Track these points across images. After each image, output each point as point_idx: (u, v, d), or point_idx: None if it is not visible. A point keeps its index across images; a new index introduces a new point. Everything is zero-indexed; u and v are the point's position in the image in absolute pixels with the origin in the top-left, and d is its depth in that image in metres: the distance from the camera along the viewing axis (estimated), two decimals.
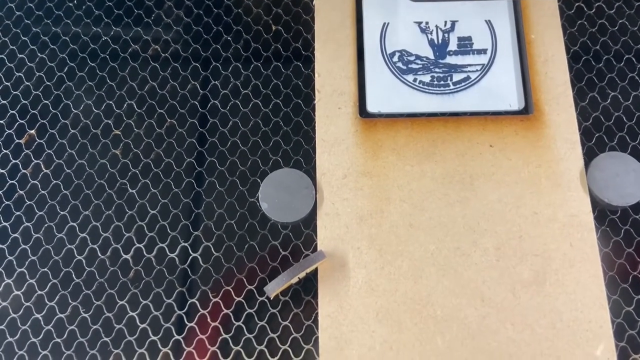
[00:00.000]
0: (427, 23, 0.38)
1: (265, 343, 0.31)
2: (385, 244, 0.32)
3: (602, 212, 0.33)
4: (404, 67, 0.37)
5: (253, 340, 0.32)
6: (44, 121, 0.36)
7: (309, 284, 0.32)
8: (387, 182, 0.34)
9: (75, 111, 0.36)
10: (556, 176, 0.33)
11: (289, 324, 0.32)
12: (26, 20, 0.39)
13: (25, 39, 0.38)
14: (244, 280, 0.33)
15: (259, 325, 0.32)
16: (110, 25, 0.39)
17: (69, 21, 0.39)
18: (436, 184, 0.34)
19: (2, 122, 0.36)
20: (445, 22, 0.38)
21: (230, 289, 0.33)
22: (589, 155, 0.34)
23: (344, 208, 0.33)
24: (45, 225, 0.34)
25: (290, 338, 0.31)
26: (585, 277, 0.31)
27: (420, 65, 0.37)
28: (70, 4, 0.39)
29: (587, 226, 0.32)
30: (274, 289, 0.31)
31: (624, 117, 0.35)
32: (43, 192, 0.34)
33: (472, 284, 0.31)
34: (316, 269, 0.32)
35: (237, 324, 0.32)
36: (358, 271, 0.32)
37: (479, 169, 0.34)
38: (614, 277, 0.32)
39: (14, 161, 0.35)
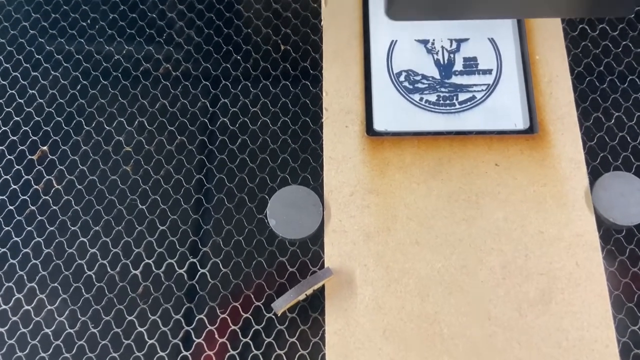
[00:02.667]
0: (432, 43, 0.38)
1: None
2: (392, 261, 0.33)
3: (607, 232, 0.33)
4: (411, 87, 0.37)
5: (260, 357, 0.32)
6: (57, 138, 0.37)
7: (316, 301, 0.32)
8: (394, 199, 0.34)
9: (87, 128, 0.37)
10: (561, 195, 0.34)
11: (295, 341, 0.32)
12: (40, 39, 0.40)
13: (39, 57, 0.39)
14: (252, 296, 0.33)
15: (266, 342, 0.32)
16: (122, 44, 0.40)
17: (82, 40, 0.40)
18: (442, 202, 0.34)
19: (15, 138, 0.37)
20: (451, 42, 0.38)
21: (238, 305, 0.33)
22: (594, 175, 0.34)
23: (351, 225, 0.34)
24: (56, 240, 0.34)
25: (297, 355, 0.32)
26: (591, 297, 0.31)
27: (427, 85, 0.37)
28: (84, 23, 0.40)
29: (592, 245, 0.33)
30: (281, 305, 0.31)
31: (628, 137, 0.36)
32: (54, 207, 0.35)
33: (478, 303, 0.32)
34: (323, 286, 0.32)
35: (244, 340, 0.32)
36: (365, 288, 0.32)
37: (484, 187, 0.34)
38: (619, 296, 0.32)
39: (26, 177, 0.36)
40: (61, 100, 0.38)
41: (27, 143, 0.37)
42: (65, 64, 0.39)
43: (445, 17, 0.33)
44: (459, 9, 0.31)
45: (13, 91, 0.38)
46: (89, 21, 0.40)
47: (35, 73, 0.39)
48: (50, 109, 0.38)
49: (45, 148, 0.37)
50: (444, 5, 0.30)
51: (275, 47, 0.39)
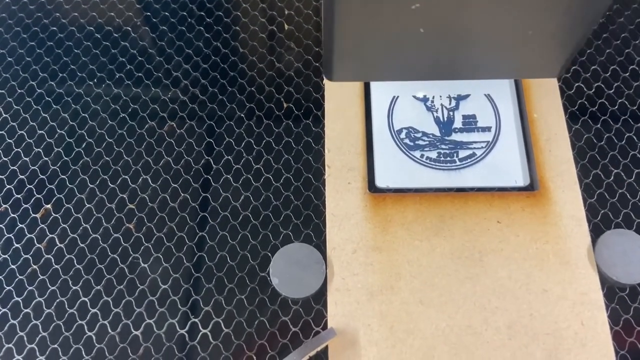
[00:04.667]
0: (432, 101, 0.39)
1: None
2: (396, 321, 0.32)
3: (611, 290, 0.33)
4: (411, 144, 0.38)
5: None
6: (61, 196, 0.37)
7: None
8: (397, 257, 0.34)
9: (92, 186, 0.37)
10: (564, 253, 0.34)
11: None
12: (46, 98, 0.41)
13: (46, 115, 0.40)
14: (254, 357, 0.33)
15: None
16: (128, 102, 0.40)
17: (88, 98, 0.41)
18: (446, 260, 0.34)
19: (19, 196, 0.37)
20: (450, 100, 0.39)
21: None
22: (595, 232, 0.34)
23: (355, 284, 0.34)
24: (57, 300, 0.34)
25: None
26: (597, 357, 0.31)
27: (427, 142, 0.38)
28: (90, 82, 0.41)
29: (596, 304, 0.32)
30: None
31: (627, 194, 0.36)
32: (56, 266, 0.35)
33: None
34: (327, 347, 0.32)
35: None
36: (369, 349, 0.32)
37: (487, 244, 0.34)
38: (625, 356, 0.32)
39: (29, 235, 0.36)
40: (66, 158, 0.38)
41: (31, 201, 0.37)
42: (72, 122, 0.40)
43: (382, 79, 0.34)
44: (392, 71, 0.32)
45: (19, 149, 0.39)
46: (95, 80, 0.41)
47: (42, 131, 0.39)
48: (55, 167, 0.38)
49: (48, 206, 0.37)
50: (381, 68, 0.31)
51: (279, 105, 0.40)
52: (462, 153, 0.37)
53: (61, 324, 0.33)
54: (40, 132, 0.39)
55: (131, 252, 0.35)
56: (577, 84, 0.40)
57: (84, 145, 0.39)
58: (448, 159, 0.37)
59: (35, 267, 0.35)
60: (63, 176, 0.38)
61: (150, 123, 0.39)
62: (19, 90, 0.41)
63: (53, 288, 0.34)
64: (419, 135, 0.38)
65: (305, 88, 0.40)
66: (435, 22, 0.27)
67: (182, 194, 0.37)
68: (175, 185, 0.37)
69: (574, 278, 0.33)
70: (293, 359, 0.31)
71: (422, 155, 0.38)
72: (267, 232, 0.36)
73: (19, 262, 0.35)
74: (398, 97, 0.39)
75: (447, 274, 0.34)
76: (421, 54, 0.29)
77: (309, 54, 0.42)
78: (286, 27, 0.43)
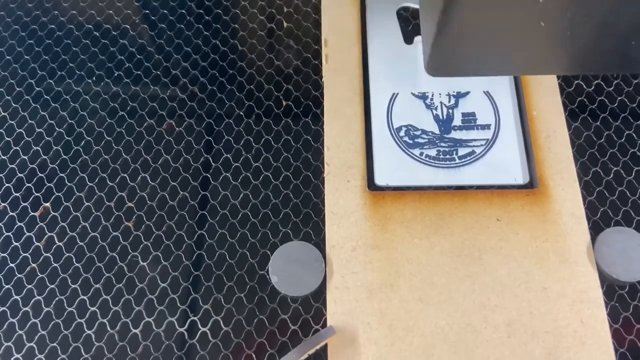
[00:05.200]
0: (431, 99, 0.39)
1: None
2: (395, 319, 0.32)
3: (611, 288, 0.33)
4: (411, 142, 0.38)
5: None
6: (59, 194, 0.37)
7: None
8: (396, 255, 0.34)
9: (90, 184, 0.37)
10: (563, 251, 0.34)
11: None
12: (45, 96, 0.40)
13: (44, 113, 0.40)
14: (253, 355, 0.33)
15: None
16: (127, 100, 0.40)
17: (86, 96, 0.40)
18: (445, 258, 0.34)
19: (17, 194, 0.37)
20: (449, 98, 0.39)
21: None
22: (595, 230, 0.34)
23: (354, 282, 0.34)
24: (56, 299, 0.34)
25: None
26: (597, 355, 0.31)
27: (426, 140, 0.38)
28: (89, 80, 0.41)
29: (596, 302, 0.32)
30: None
31: (627, 192, 0.36)
32: (55, 264, 0.35)
33: None
34: (326, 345, 0.32)
35: None
36: (369, 347, 0.32)
37: (487, 243, 0.34)
38: (625, 354, 0.32)
39: (27, 234, 0.36)
40: (65, 157, 0.38)
41: (30, 199, 0.37)
42: (70, 121, 0.39)
43: (483, 73, 0.33)
44: (498, 65, 0.30)
45: (17, 148, 0.39)
46: (94, 78, 0.41)
47: (40, 130, 0.39)
48: (54, 165, 0.38)
49: (47, 204, 0.37)
50: (483, 62, 0.30)
51: (277, 103, 0.40)
52: (462, 151, 0.37)
53: (60, 322, 0.33)
54: (39, 130, 0.39)
55: (130, 251, 0.35)
56: (576, 82, 0.39)
57: (82, 144, 0.39)
58: (447, 156, 0.37)
59: (34, 265, 0.35)
60: (62, 174, 0.38)
61: (149, 121, 0.39)
62: (17, 89, 0.41)
63: (52, 286, 0.34)
64: (418, 133, 0.38)
65: (304, 86, 0.40)
66: (557, 14, 0.25)
67: (181, 192, 0.37)
68: (174, 184, 0.37)
69: (573, 276, 0.33)
70: (292, 357, 0.31)
71: (421, 153, 0.38)
72: (266, 230, 0.36)
73: (18, 261, 0.35)
74: (397, 95, 0.39)
75: (447, 272, 0.34)
76: (534, 46, 0.28)
77: (308, 52, 0.41)
78: (285, 24, 0.43)
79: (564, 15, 0.25)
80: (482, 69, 0.30)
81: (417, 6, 0.43)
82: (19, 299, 0.34)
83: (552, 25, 0.25)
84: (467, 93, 0.39)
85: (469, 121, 0.38)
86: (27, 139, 0.39)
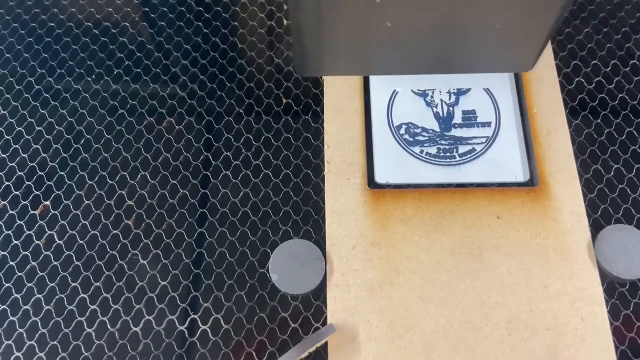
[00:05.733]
0: (432, 97, 0.39)
1: None
2: (395, 316, 0.32)
3: (611, 285, 0.33)
4: (411, 139, 0.38)
5: None
6: (59, 192, 0.37)
7: (319, 358, 0.32)
8: (396, 253, 0.34)
9: (90, 182, 0.37)
10: (564, 248, 0.34)
11: None
12: (45, 94, 0.40)
13: (44, 111, 0.40)
14: (253, 353, 0.33)
15: None
16: (126, 98, 0.40)
17: (86, 94, 0.40)
18: (445, 256, 0.34)
19: (18, 193, 0.37)
20: (450, 95, 0.39)
21: None
22: (595, 227, 0.34)
23: (354, 279, 0.34)
24: (57, 297, 0.34)
25: None
26: (597, 352, 0.31)
27: (427, 138, 0.38)
28: (88, 78, 0.41)
29: (596, 299, 0.32)
30: None
31: (628, 189, 0.36)
32: (55, 263, 0.35)
33: None
34: (326, 343, 0.32)
35: None
36: (369, 345, 0.32)
37: (487, 240, 0.34)
38: (625, 351, 0.32)
39: (28, 232, 0.36)
40: (65, 155, 0.38)
41: (30, 198, 0.37)
42: (70, 119, 0.39)
43: (351, 73, 0.34)
44: (363, 66, 0.31)
45: (17, 146, 0.39)
46: (94, 76, 0.41)
47: (40, 128, 0.39)
48: (54, 163, 0.38)
49: (47, 203, 0.37)
50: (350, 62, 0.31)
51: (277, 101, 0.40)
52: (462, 148, 0.37)
53: (60, 320, 0.33)
54: (39, 128, 0.39)
55: (130, 249, 0.35)
56: (577, 79, 0.39)
57: (82, 142, 0.39)
58: (448, 154, 0.37)
59: (34, 263, 0.35)
60: (62, 172, 0.38)
61: (149, 119, 0.39)
62: (17, 87, 0.41)
63: (52, 284, 0.34)
64: (418, 130, 0.38)
65: (304, 84, 0.40)
66: (404, 16, 0.26)
67: (181, 190, 0.37)
68: (174, 182, 0.37)
69: (573, 273, 0.33)
70: (293, 355, 0.31)
71: (421, 151, 0.37)
72: (267, 228, 0.36)
73: (18, 259, 0.35)
74: (397, 92, 0.39)
75: (447, 270, 0.33)
76: (389, 47, 0.29)
77: None
78: (285, 22, 0.43)
79: (406, 17, 0.26)
80: (342, 69, 0.31)
81: None
82: (19, 297, 0.34)
83: (398, 27, 0.26)
84: (468, 90, 0.39)
85: (470, 119, 0.38)
86: (27, 137, 0.39)
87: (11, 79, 0.41)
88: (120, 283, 0.34)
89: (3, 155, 0.38)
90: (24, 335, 0.33)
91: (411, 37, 0.28)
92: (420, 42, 0.28)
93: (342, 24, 0.27)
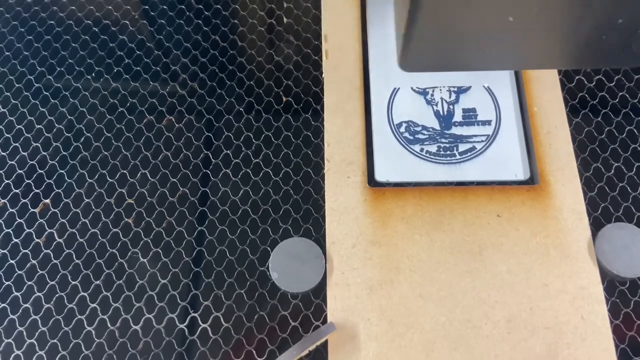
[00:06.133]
0: (432, 95, 0.39)
1: None
2: (395, 315, 0.32)
3: (611, 284, 0.33)
4: (411, 137, 0.38)
5: None
6: (59, 190, 0.37)
7: (319, 357, 0.32)
8: (397, 251, 0.34)
9: (90, 180, 0.37)
10: (564, 247, 0.34)
11: None
12: (44, 92, 0.40)
13: (44, 110, 0.40)
14: (253, 352, 0.33)
15: None
16: (126, 96, 0.40)
17: (86, 92, 0.40)
18: (445, 254, 0.34)
19: (17, 191, 0.37)
20: (450, 93, 0.39)
21: None
22: (596, 226, 0.34)
23: (354, 278, 0.34)
24: (57, 295, 0.34)
25: None
26: (597, 351, 0.31)
27: (427, 136, 0.38)
28: (88, 76, 0.41)
29: (597, 298, 0.32)
30: None
31: (628, 188, 0.36)
32: (55, 261, 0.35)
33: (484, 358, 0.31)
34: (326, 341, 0.32)
35: None
36: (369, 343, 0.32)
37: (487, 239, 0.34)
38: (625, 350, 0.32)
39: (27, 230, 0.36)
40: (65, 153, 0.38)
41: (30, 196, 0.37)
42: (70, 117, 0.39)
43: (458, 69, 0.33)
44: (472, 60, 0.31)
45: (17, 144, 0.39)
46: (93, 74, 0.41)
47: (40, 126, 0.39)
48: (54, 162, 0.38)
49: (47, 201, 0.37)
50: (457, 57, 0.30)
51: (277, 99, 0.40)
52: (462, 147, 0.37)
53: (60, 318, 0.33)
54: (39, 126, 0.39)
55: (130, 247, 0.35)
56: (577, 77, 0.39)
57: (82, 140, 0.39)
58: (448, 152, 0.37)
59: (34, 261, 0.35)
60: (62, 171, 0.38)
61: (148, 117, 0.39)
62: (17, 85, 0.41)
63: (52, 283, 0.34)
64: (418, 129, 0.38)
65: (304, 82, 0.40)
66: (526, 10, 0.26)
67: (181, 189, 0.37)
68: (174, 180, 0.37)
69: (574, 272, 0.33)
70: (293, 353, 0.31)
71: (421, 149, 0.37)
72: (267, 226, 0.36)
73: (18, 257, 0.35)
74: (397, 91, 0.39)
75: (447, 268, 0.33)
76: (503, 42, 0.28)
77: (308, 48, 0.41)
78: (285, 20, 0.43)
79: (532, 10, 0.25)
80: (454, 64, 0.30)
81: None
82: (19, 296, 0.34)
83: (521, 20, 0.26)
84: (468, 88, 0.39)
85: (470, 117, 0.38)
86: (27, 135, 0.39)
87: (11, 77, 0.41)
88: (120, 281, 0.34)
89: (3, 154, 0.38)
90: (24, 333, 0.33)
91: (529, 31, 0.27)
92: (535, 37, 0.27)
93: (462, 18, 0.26)
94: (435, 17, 0.26)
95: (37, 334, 0.33)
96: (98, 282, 0.34)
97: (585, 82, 0.39)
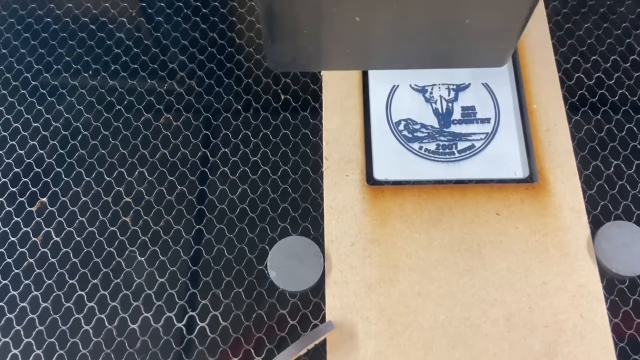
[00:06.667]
0: (431, 93, 0.39)
1: None
2: (394, 313, 0.32)
3: (611, 282, 0.33)
4: (410, 136, 0.38)
5: None
6: (56, 189, 0.37)
7: (318, 356, 0.32)
8: (395, 250, 0.34)
9: (87, 179, 0.37)
10: (563, 245, 0.34)
11: None
12: (41, 90, 0.40)
13: (41, 108, 0.39)
14: (252, 351, 0.32)
15: None
16: (124, 94, 0.40)
17: (83, 90, 0.40)
18: (444, 252, 0.34)
19: (14, 189, 0.37)
20: (449, 91, 0.39)
21: None
22: (595, 224, 0.34)
23: (353, 276, 0.33)
24: (54, 294, 0.34)
25: None
26: (596, 349, 0.31)
27: (426, 134, 0.38)
28: (85, 74, 0.41)
29: (596, 296, 0.32)
30: None
31: (627, 186, 0.36)
32: (52, 260, 0.35)
33: (483, 356, 0.31)
34: (325, 340, 0.32)
35: None
36: (367, 342, 0.32)
37: (486, 237, 0.34)
38: (624, 348, 0.32)
39: (24, 229, 0.36)
40: (62, 151, 0.38)
41: (27, 194, 0.37)
42: (67, 115, 0.39)
43: (321, 68, 0.33)
44: (328, 60, 0.31)
45: (14, 142, 0.38)
46: (90, 72, 0.41)
47: (36, 124, 0.39)
48: (51, 160, 0.38)
49: (44, 199, 0.36)
50: (320, 57, 0.31)
51: (276, 97, 0.39)
52: (461, 145, 0.37)
53: (58, 317, 0.33)
54: (35, 124, 0.39)
55: (128, 246, 0.35)
56: (577, 75, 0.39)
57: (79, 138, 0.38)
58: (447, 150, 0.37)
59: (31, 260, 0.35)
60: (58, 169, 0.37)
61: (146, 115, 0.39)
62: (14, 83, 0.40)
63: (49, 282, 0.34)
64: (417, 127, 0.38)
65: (302, 80, 0.40)
66: (371, 10, 0.26)
67: (179, 187, 0.37)
68: (172, 178, 0.37)
69: (573, 270, 0.33)
70: (291, 352, 0.31)
71: (420, 147, 0.37)
72: (265, 225, 0.35)
73: (15, 256, 0.35)
74: (396, 88, 0.39)
75: (446, 267, 0.33)
76: (358, 41, 0.29)
77: None
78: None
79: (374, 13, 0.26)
80: (312, 64, 0.31)
81: None
82: (16, 295, 0.34)
83: (368, 21, 0.26)
84: (467, 86, 0.39)
85: (469, 115, 0.38)
86: (24, 133, 0.39)
87: (7, 75, 0.41)
88: (118, 280, 0.34)
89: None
90: (21, 332, 0.33)
91: (381, 31, 0.28)
92: (389, 36, 0.28)
93: (312, 16, 0.27)
94: (287, 22, 0.27)
95: (34, 333, 0.33)
96: (95, 280, 0.34)
97: (585, 80, 0.39)
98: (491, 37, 0.28)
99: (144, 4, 0.43)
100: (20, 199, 0.37)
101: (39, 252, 0.35)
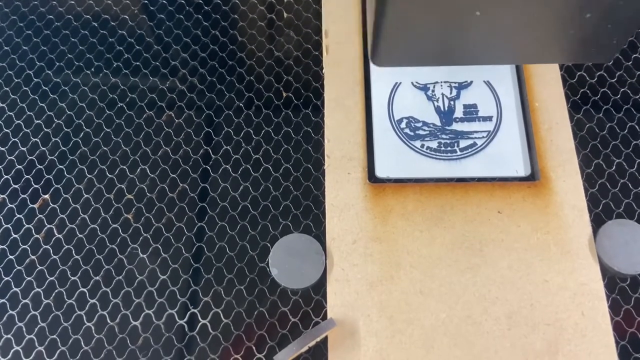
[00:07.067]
0: (433, 91, 0.39)
1: None
2: (395, 311, 0.32)
3: (612, 280, 0.33)
4: (412, 133, 0.38)
5: None
6: (59, 186, 0.37)
7: (319, 353, 0.32)
8: (397, 247, 0.34)
9: (90, 176, 0.37)
10: (565, 243, 0.34)
11: None
12: (44, 87, 0.40)
13: (43, 105, 0.40)
14: (253, 348, 0.33)
15: None
16: (126, 91, 0.40)
17: (85, 87, 0.40)
18: (446, 250, 0.34)
19: (16, 186, 0.37)
20: (451, 89, 0.39)
21: (239, 358, 0.32)
22: (597, 222, 0.34)
23: (354, 274, 0.34)
24: (56, 291, 0.34)
25: None
26: (597, 348, 0.31)
27: (428, 132, 0.38)
28: (87, 71, 0.41)
29: (597, 294, 0.32)
30: (284, 358, 0.31)
31: (629, 184, 0.36)
32: (55, 257, 0.35)
33: (484, 355, 0.31)
34: (326, 337, 0.32)
35: None
36: (369, 340, 0.32)
37: (488, 235, 0.34)
38: (625, 346, 0.32)
39: (27, 226, 0.36)
40: (64, 149, 0.38)
41: (29, 191, 0.37)
42: (69, 112, 0.39)
43: (433, 64, 0.33)
44: (446, 55, 0.31)
45: (16, 139, 0.38)
46: (93, 69, 0.41)
47: (39, 121, 0.39)
48: (53, 157, 0.38)
49: (47, 196, 0.37)
50: (432, 52, 0.30)
51: (277, 94, 0.39)
52: (463, 143, 0.37)
53: (60, 314, 0.33)
54: (38, 121, 0.39)
55: (130, 243, 0.35)
56: (579, 73, 0.39)
57: (81, 135, 0.38)
58: (449, 148, 0.37)
59: (33, 257, 0.35)
60: (61, 166, 0.37)
61: (148, 112, 0.39)
62: (16, 80, 0.40)
63: (52, 278, 0.34)
64: (419, 125, 0.38)
65: (304, 77, 0.40)
66: (492, 5, 0.26)
67: (181, 184, 0.37)
68: (174, 176, 0.37)
69: (574, 268, 0.33)
70: (293, 349, 0.31)
71: (422, 145, 0.37)
72: (267, 222, 0.35)
73: (17, 253, 0.35)
74: (398, 86, 0.39)
75: (447, 265, 0.33)
76: (470, 37, 0.28)
77: (309, 43, 0.41)
78: (285, 15, 0.43)
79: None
80: (426, 59, 0.30)
81: None
82: (19, 291, 0.34)
83: (488, 15, 0.26)
84: (469, 84, 0.39)
85: (471, 113, 0.38)
86: (26, 130, 0.39)
87: (10, 72, 0.41)
88: (120, 277, 0.34)
89: (2, 149, 0.38)
90: (24, 329, 0.33)
91: (498, 25, 0.27)
92: (502, 31, 0.28)
93: (430, 13, 0.26)
94: (403, 13, 0.26)
95: (36, 329, 0.33)
96: (97, 277, 0.34)
97: (587, 78, 0.39)
98: (606, 32, 0.27)
99: (146, 1, 0.43)
100: (23, 196, 0.37)
101: (41, 249, 0.35)
